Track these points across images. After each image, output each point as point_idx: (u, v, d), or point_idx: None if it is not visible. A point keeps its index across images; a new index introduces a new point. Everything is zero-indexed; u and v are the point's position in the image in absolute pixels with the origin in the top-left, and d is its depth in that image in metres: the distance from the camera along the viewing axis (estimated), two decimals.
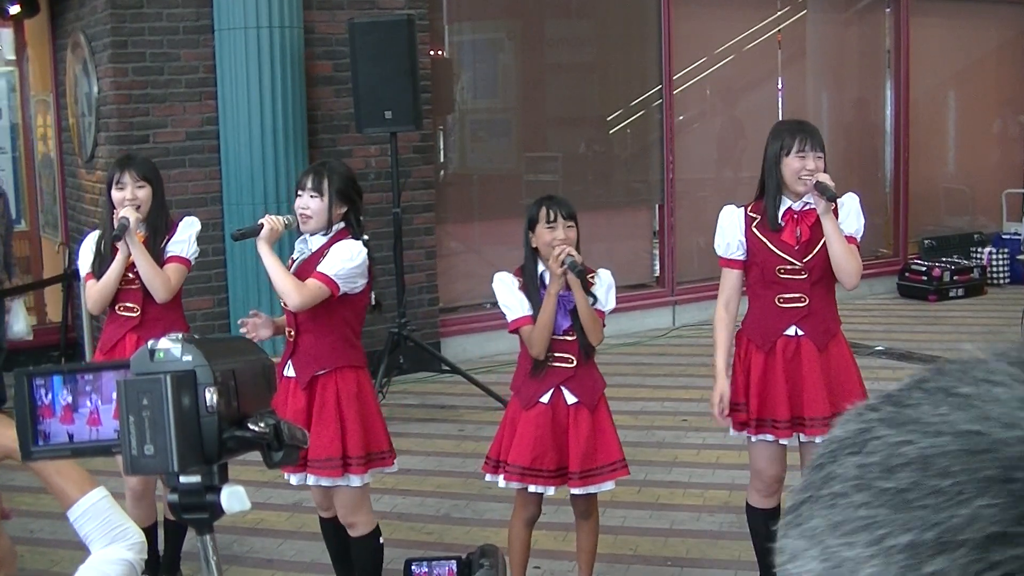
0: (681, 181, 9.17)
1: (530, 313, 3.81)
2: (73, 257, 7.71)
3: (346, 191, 3.87)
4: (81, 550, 2.09)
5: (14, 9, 8.03)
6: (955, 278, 9.93)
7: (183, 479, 1.47)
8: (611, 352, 8.06)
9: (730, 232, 3.91)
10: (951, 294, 9.89)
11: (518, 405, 3.88)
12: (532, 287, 3.83)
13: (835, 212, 3.84)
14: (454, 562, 2.19)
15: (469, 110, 8.79)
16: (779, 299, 3.82)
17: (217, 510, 1.49)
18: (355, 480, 3.81)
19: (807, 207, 3.83)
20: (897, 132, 10.46)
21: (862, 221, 3.90)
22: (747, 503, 4.06)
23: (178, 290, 4.30)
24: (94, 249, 4.29)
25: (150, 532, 4.17)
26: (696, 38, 9.27)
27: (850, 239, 3.83)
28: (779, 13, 9.70)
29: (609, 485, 3.86)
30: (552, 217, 3.78)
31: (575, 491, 3.83)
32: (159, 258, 4.22)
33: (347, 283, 3.77)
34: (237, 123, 6.85)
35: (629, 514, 5.02)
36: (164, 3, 6.87)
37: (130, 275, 4.18)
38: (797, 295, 3.82)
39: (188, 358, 1.44)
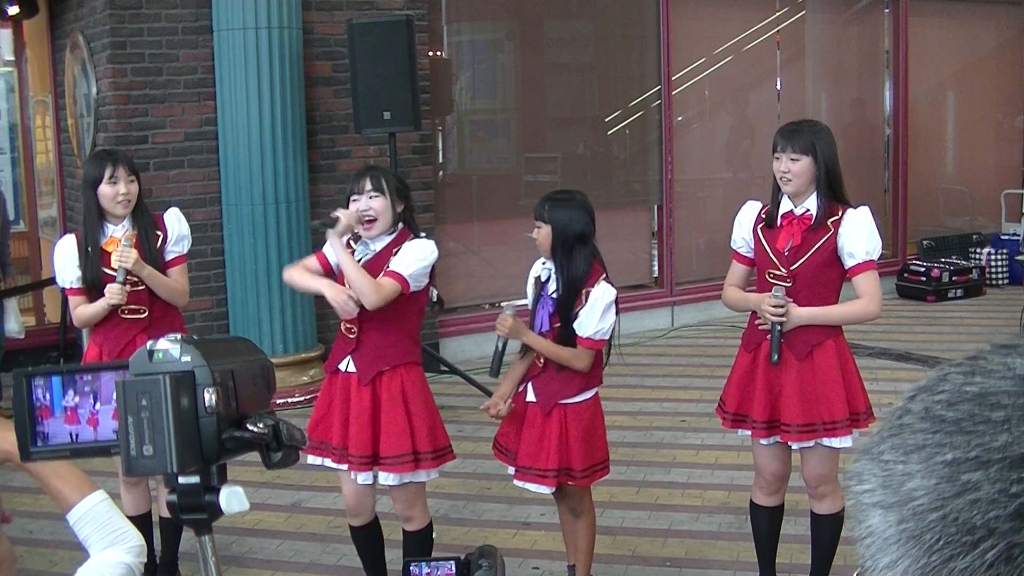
0: (680, 182, 9.17)
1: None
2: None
3: (401, 190, 3.88)
4: (80, 550, 2.09)
5: (13, 10, 8.03)
6: (954, 279, 9.94)
7: (182, 480, 1.47)
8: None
9: (740, 228, 3.96)
10: (950, 295, 9.89)
11: None
12: (537, 282, 3.91)
13: (836, 228, 3.79)
14: (453, 563, 2.19)
15: (468, 111, 8.79)
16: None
17: (216, 511, 1.49)
18: (422, 475, 3.86)
19: (807, 212, 3.82)
20: (896, 133, 10.46)
21: (875, 240, 3.78)
22: (751, 500, 4.08)
23: None
24: (77, 259, 4.16)
25: (144, 522, 4.17)
26: (695, 39, 9.27)
27: (865, 264, 3.76)
28: (778, 14, 9.71)
29: (544, 489, 3.88)
30: (534, 214, 3.86)
31: (516, 483, 3.94)
32: (158, 258, 4.20)
33: (417, 281, 3.81)
34: (236, 123, 6.85)
35: (628, 515, 5.02)
36: (163, 4, 6.87)
37: (132, 277, 4.13)
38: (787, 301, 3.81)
39: (187, 359, 1.44)
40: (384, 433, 3.78)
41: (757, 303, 3.78)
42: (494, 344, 3.90)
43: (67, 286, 4.21)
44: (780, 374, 3.79)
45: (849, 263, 3.77)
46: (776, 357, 3.70)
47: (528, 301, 3.99)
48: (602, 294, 3.79)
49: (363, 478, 3.86)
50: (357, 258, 3.84)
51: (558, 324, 3.80)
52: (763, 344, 3.84)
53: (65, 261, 4.19)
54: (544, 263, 3.91)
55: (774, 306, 3.69)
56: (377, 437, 3.79)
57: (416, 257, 3.79)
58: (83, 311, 4.17)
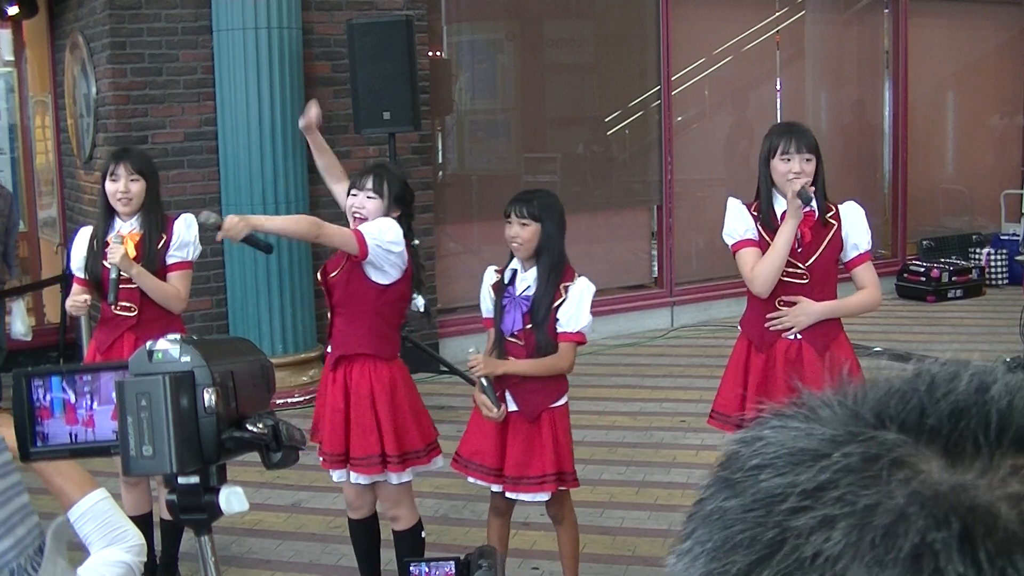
0: (680, 182, 9.17)
1: (491, 316, 3.86)
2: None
3: (402, 196, 3.85)
4: (79, 551, 2.09)
5: (13, 10, 8.03)
6: (953, 279, 9.93)
7: (181, 480, 1.47)
8: (609, 353, 8.06)
9: (743, 218, 3.89)
10: (949, 295, 9.89)
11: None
12: (500, 283, 3.85)
13: (838, 222, 3.81)
14: (452, 563, 2.19)
15: (468, 111, 8.79)
16: (779, 302, 3.81)
17: (215, 511, 1.49)
18: (393, 478, 3.85)
19: (806, 209, 3.82)
20: (896, 133, 10.46)
21: (869, 232, 3.88)
22: None
23: None
24: (86, 249, 4.25)
25: (144, 522, 4.17)
26: (695, 39, 9.27)
27: (865, 255, 3.81)
28: (777, 14, 9.71)
29: (542, 496, 3.83)
30: (507, 213, 3.79)
31: (508, 495, 3.85)
32: (158, 262, 4.20)
33: (378, 256, 3.71)
34: (236, 124, 6.85)
35: (627, 515, 5.02)
36: (163, 4, 6.87)
37: (125, 274, 4.16)
38: (799, 299, 3.81)
39: (186, 359, 1.44)
40: (353, 434, 3.80)
41: (792, 209, 3.69)
42: (480, 384, 3.78)
43: (74, 273, 4.31)
44: (802, 373, 3.74)
45: (852, 254, 3.83)
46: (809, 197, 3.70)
47: (486, 309, 3.90)
48: (586, 287, 3.78)
49: (337, 475, 3.90)
50: None
51: (530, 324, 3.75)
52: (777, 343, 3.82)
53: (77, 250, 4.30)
54: (497, 268, 3.89)
55: (802, 185, 3.69)
56: (348, 436, 3.81)
57: (380, 227, 3.71)
58: (68, 301, 4.26)
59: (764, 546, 0.54)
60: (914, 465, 0.54)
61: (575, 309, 3.74)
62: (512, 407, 3.80)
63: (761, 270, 3.79)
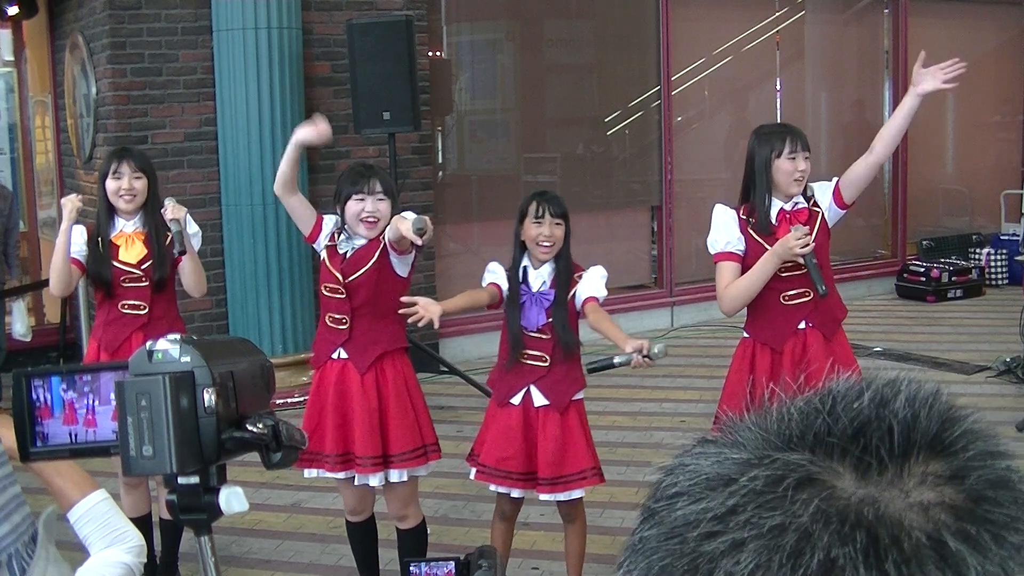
0: (680, 182, 9.17)
1: (497, 281, 3.86)
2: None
3: (396, 192, 3.94)
4: (79, 551, 2.09)
5: (12, 10, 8.03)
6: (953, 279, 9.93)
7: (181, 480, 1.47)
8: (609, 353, 8.06)
9: (728, 229, 3.89)
10: (949, 295, 9.89)
11: (495, 400, 3.92)
12: (514, 280, 3.85)
13: (815, 204, 3.89)
14: (452, 563, 2.19)
15: (468, 111, 8.79)
16: (784, 297, 3.81)
17: (215, 511, 1.49)
18: (421, 470, 3.89)
19: (797, 206, 3.85)
20: None
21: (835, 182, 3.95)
22: None
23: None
24: (86, 240, 4.18)
25: (144, 523, 4.17)
26: (695, 39, 9.27)
27: (839, 180, 3.89)
28: (777, 14, 9.71)
29: (578, 493, 3.83)
30: (540, 213, 3.78)
31: (543, 496, 3.83)
32: (166, 256, 4.20)
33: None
34: (235, 124, 6.85)
35: (627, 515, 5.02)
36: (163, 4, 6.87)
37: (137, 272, 4.16)
38: (802, 290, 3.81)
39: (186, 359, 1.44)
40: (394, 430, 3.78)
41: (782, 250, 3.69)
42: (604, 361, 3.65)
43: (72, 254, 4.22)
44: (807, 363, 3.76)
45: (833, 189, 3.92)
46: (824, 288, 3.68)
47: (499, 279, 3.88)
48: (600, 269, 3.83)
49: (376, 480, 3.85)
50: (342, 251, 3.85)
51: (550, 319, 3.78)
52: (789, 341, 3.83)
53: (76, 240, 4.18)
54: (504, 265, 3.89)
55: (803, 236, 3.68)
56: (387, 436, 3.79)
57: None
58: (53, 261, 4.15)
59: (680, 573, 0.56)
60: (825, 482, 0.55)
61: (592, 282, 3.78)
62: (541, 401, 3.78)
63: (732, 294, 3.82)
